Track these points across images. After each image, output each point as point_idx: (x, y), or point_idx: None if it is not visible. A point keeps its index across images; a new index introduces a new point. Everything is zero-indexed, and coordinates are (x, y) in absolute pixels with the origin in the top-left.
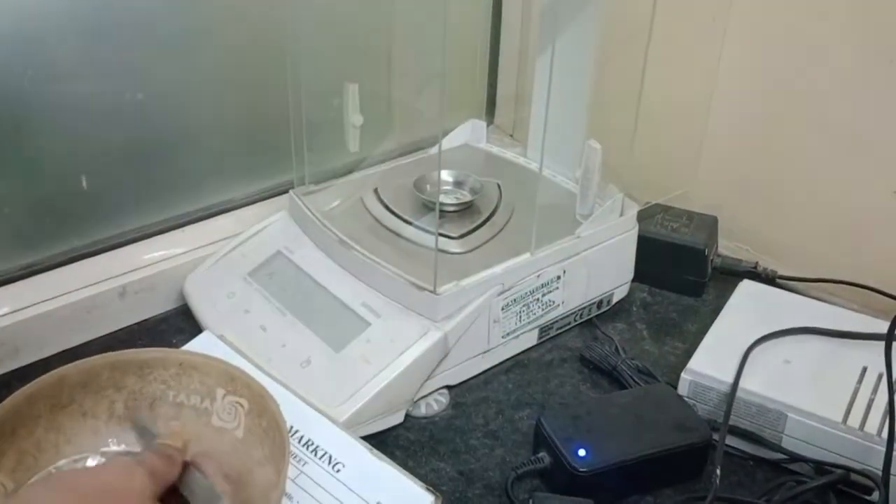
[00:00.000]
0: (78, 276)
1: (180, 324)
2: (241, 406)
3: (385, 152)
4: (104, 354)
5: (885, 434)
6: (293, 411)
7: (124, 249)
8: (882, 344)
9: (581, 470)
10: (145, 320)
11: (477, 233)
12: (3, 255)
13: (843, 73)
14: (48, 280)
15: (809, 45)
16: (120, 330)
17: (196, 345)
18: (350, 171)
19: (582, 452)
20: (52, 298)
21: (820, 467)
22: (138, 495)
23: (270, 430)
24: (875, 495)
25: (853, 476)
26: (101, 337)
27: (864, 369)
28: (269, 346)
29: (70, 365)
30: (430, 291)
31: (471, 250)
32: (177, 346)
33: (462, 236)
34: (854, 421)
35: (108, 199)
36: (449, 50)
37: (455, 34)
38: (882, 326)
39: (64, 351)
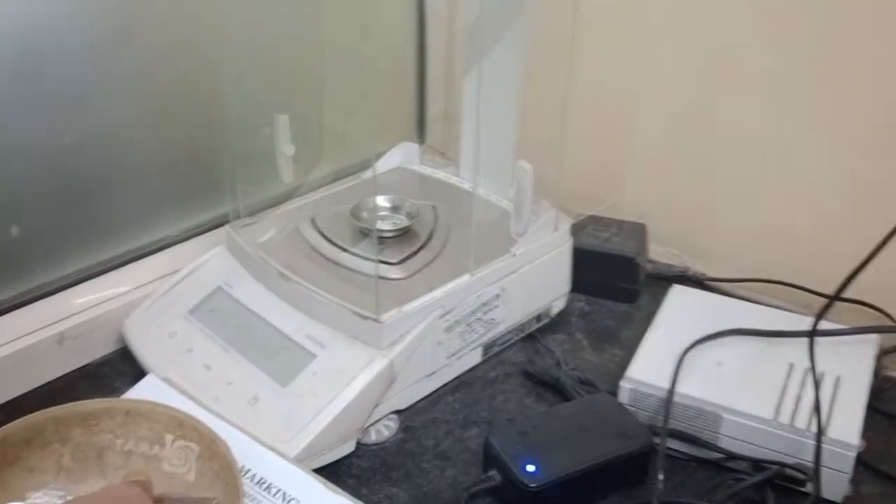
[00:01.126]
0: (13, 325)
1: (122, 367)
2: (192, 450)
3: (319, 179)
4: (47, 409)
5: (814, 428)
6: (244, 450)
7: (59, 295)
8: (806, 340)
9: (531, 486)
10: (86, 366)
11: (416, 257)
12: None
13: (758, 78)
14: None
15: (727, 53)
16: (61, 377)
17: (141, 388)
18: (285, 201)
19: (531, 468)
20: None
21: (756, 464)
22: (141, 497)
23: (222, 472)
24: (808, 487)
25: (787, 470)
26: (42, 386)
27: (792, 366)
28: (215, 386)
29: (12, 423)
30: (374, 320)
31: (411, 275)
32: (120, 389)
33: (401, 262)
34: (784, 417)
35: (40, 246)
36: (376, 73)
37: (380, 57)
38: (807, 323)
39: (4, 403)
